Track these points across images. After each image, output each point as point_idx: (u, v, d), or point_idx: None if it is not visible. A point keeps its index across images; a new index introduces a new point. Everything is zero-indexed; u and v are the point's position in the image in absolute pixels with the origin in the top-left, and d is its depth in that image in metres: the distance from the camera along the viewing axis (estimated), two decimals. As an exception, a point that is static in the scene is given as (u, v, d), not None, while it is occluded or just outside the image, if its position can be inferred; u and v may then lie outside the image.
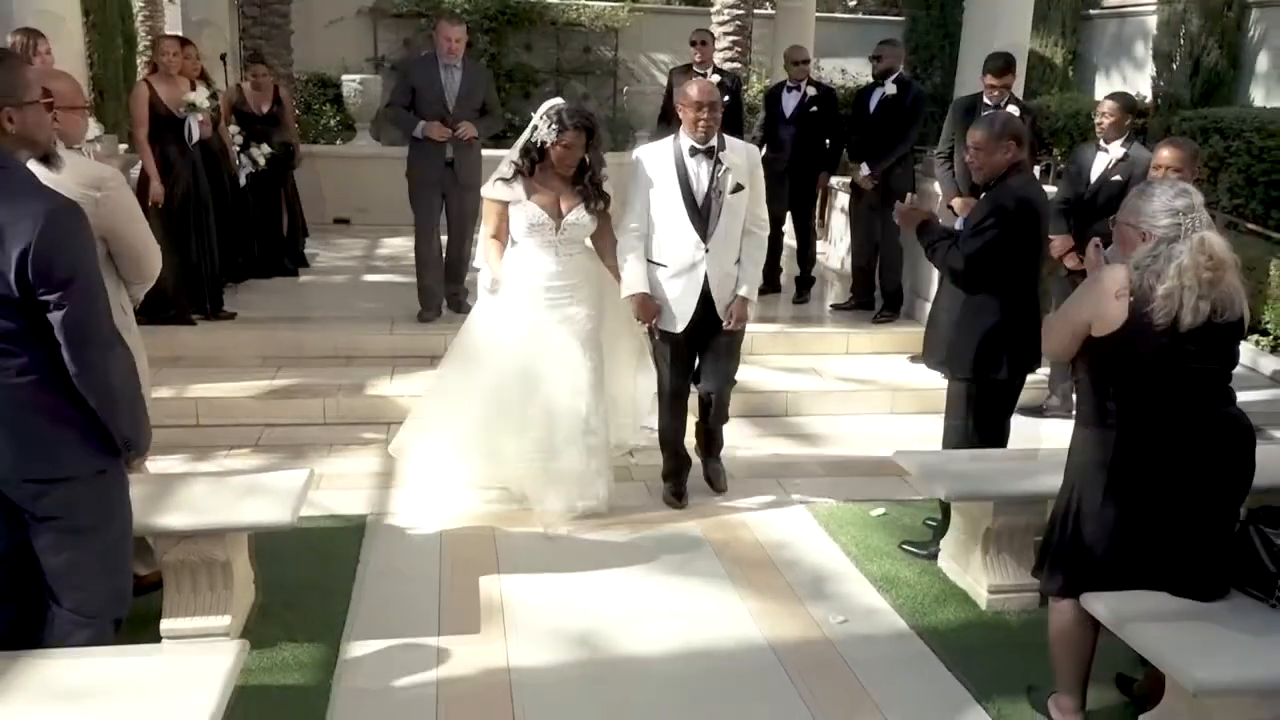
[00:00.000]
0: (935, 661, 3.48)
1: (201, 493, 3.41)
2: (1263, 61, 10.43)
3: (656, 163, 4.32)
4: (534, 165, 4.28)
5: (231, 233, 6.86)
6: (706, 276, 4.29)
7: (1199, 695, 2.57)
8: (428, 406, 4.71)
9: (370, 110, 10.11)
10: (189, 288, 6.23)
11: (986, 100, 6.12)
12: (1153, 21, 11.34)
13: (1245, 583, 2.90)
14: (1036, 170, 7.02)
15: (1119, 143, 5.36)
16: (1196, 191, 2.81)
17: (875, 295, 7.12)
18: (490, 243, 4.43)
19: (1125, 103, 5.42)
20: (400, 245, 8.56)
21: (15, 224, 2.28)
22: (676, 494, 4.68)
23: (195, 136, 6.11)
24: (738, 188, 4.25)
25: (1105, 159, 5.38)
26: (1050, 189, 6.38)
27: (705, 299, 4.32)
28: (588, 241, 4.47)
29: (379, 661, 3.35)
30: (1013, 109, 6.06)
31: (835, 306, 7.35)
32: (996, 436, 4.16)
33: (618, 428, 4.83)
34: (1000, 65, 6.07)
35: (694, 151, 4.26)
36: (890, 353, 6.66)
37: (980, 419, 4.10)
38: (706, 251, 4.26)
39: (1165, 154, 4.14)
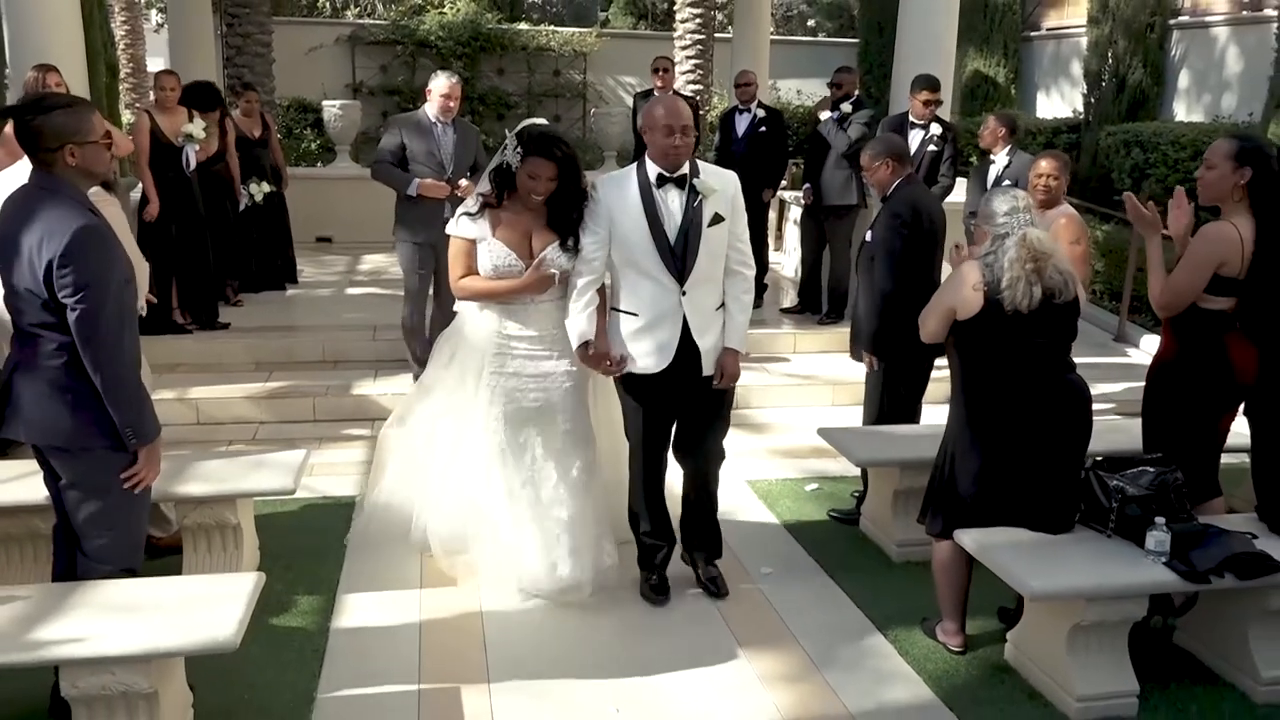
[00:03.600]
0: (847, 601, 4.07)
1: (215, 467, 3.97)
2: (1184, 79, 11.16)
3: (618, 196, 3.65)
4: (502, 194, 3.75)
5: (233, 252, 7.38)
6: (686, 324, 3.66)
7: (1034, 600, 3.17)
8: (393, 475, 4.34)
9: (349, 134, 10.63)
10: (186, 301, 6.77)
11: (914, 118, 6.76)
12: (1085, 42, 12.07)
13: (1088, 518, 3.51)
14: (962, 182, 7.65)
15: (1004, 153, 6.13)
16: (1025, 195, 3.46)
17: (822, 299, 7.75)
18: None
19: (1003, 120, 6.25)
20: (380, 261, 9.15)
21: (49, 238, 2.78)
22: (656, 587, 3.97)
23: (192, 164, 6.62)
24: (716, 219, 3.64)
25: (995, 169, 6.13)
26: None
27: (684, 351, 3.68)
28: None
29: (369, 608, 3.91)
30: (935, 127, 6.74)
31: (785, 310, 7.96)
32: (908, 415, 4.77)
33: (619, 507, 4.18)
34: (923, 85, 6.70)
35: (662, 181, 3.62)
36: (833, 351, 7.24)
37: (893, 399, 4.71)
38: (684, 294, 3.64)
39: (1044, 164, 4.83)
